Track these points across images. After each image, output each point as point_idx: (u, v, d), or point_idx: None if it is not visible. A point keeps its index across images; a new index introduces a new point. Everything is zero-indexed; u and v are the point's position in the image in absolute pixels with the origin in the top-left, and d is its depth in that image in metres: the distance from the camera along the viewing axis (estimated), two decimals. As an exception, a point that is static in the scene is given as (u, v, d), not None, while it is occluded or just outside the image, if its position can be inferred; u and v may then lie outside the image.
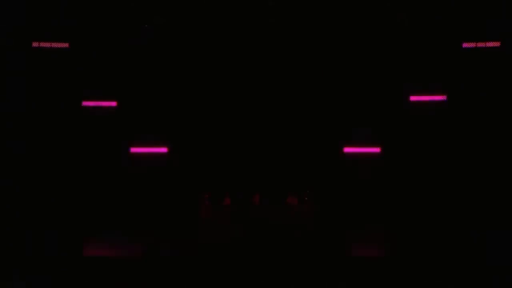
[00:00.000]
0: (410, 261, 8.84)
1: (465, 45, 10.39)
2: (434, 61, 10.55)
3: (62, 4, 10.09)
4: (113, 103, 10.71)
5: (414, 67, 10.60)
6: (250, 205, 10.26)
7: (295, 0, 10.58)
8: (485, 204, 9.91)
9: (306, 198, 10.54)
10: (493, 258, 8.06)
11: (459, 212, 9.98)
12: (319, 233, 9.84)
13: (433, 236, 9.59)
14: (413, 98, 10.70)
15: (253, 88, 10.83)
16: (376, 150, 10.83)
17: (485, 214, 9.74)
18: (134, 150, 10.78)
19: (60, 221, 9.87)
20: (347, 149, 10.92)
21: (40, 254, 8.99)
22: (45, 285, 8.09)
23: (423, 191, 10.43)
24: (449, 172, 10.42)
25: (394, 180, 10.61)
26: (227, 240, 9.33)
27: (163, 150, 10.91)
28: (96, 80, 10.62)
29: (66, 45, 10.44)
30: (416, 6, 10.35)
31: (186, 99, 10.83)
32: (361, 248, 9.24)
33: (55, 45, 10.41)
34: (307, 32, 10.71)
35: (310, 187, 10.75)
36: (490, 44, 10.28)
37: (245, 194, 10.48)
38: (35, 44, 10.38)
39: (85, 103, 10.68)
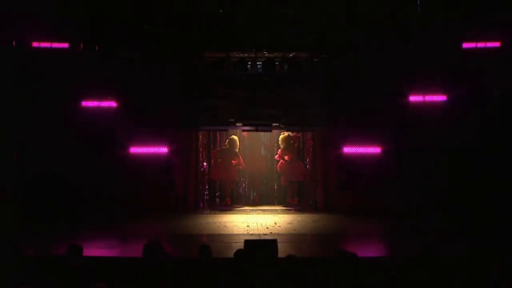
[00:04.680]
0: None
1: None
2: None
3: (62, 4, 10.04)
4: (113, 103, 10.72)
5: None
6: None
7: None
8: None
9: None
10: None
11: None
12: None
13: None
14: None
15: None
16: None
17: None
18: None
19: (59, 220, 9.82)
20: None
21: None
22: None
23: None
24: None
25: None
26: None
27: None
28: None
29: (66, 45, 10.41)
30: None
31: None
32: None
33: (55, 45, 10.38)
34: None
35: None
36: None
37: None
38: (35, 44, 10.34)
39: (85, 103, 10.70)
